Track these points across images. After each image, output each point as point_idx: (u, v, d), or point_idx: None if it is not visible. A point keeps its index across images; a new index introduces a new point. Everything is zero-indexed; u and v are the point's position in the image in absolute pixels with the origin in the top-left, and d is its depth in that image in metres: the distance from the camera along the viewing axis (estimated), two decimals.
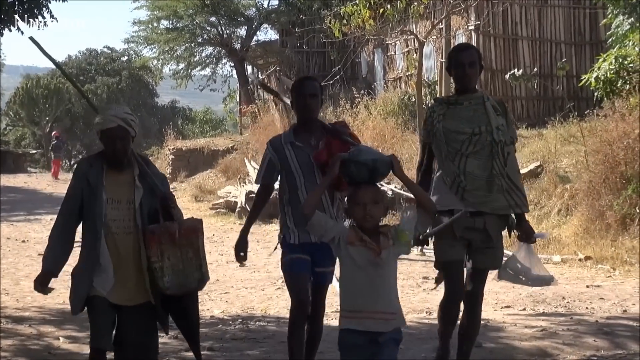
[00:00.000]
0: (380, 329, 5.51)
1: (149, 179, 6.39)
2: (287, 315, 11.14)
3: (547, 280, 7.49)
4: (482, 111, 7.01)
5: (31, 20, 13.43)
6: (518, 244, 7.39)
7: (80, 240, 6.40)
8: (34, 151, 61.94)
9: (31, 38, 7.35)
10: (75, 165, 7.09)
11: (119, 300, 6.26)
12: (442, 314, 7.15)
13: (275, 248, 7.45)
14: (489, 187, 6.89)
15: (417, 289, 12.50)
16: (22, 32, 13.35)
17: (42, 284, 6.33)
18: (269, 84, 33.20)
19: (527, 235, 7.21)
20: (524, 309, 10.98)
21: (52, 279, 6.37)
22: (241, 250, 7.20)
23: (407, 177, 5.78)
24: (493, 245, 7.05)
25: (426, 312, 10.89)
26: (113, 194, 6.32)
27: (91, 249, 6.27)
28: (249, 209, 23.01)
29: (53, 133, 49.70)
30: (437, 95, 26.22)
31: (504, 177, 6.93)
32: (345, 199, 5.71)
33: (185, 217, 6.57)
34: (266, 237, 20.02)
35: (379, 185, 5.82)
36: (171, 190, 6.78)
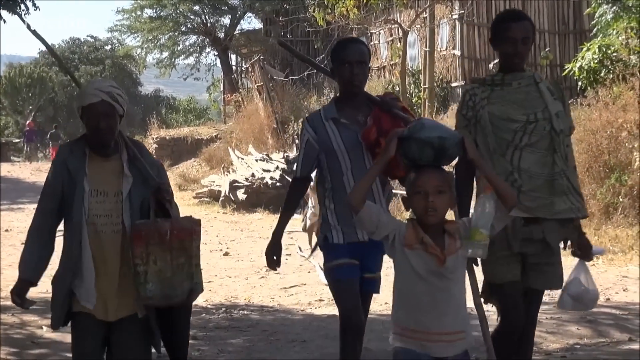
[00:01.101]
0: (444, 353, 4.57)
1: (141, 167, 5.36)
2: (271, 304, 11.20)
3: (596, 298, 6.13)
4: (536, 94, 5.70)
5: (14, 9, 13.35)
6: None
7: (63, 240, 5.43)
8: (17, 140, 61.67)
9: (31, 29, 7.11)
10: (55, 153, 5.97)
11: (107, 314, 5.29)
12: (498, 350, 5.49)
13: (314, 250, 6.45)
14: (549, 187, 5.60)
15: None
16: (4, 21, 13.28)
17: (19, 295, 5.36)
18: (252, 74, 33.11)
19: (584, 251, 5.89)
20: None
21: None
22: (274, 254, 6.09)
23: (483, 161, 4.92)
24: (553, 260, 5.77)
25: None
26: (97, 184, 5.30)
27: (72, 251, 5.29)
28: (232, 198, 23.11)
29: (27, 123, 49.59)
30: (422, 85, 26.27)
31: (565, 176, 5.66)
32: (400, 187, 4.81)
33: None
34: (250, 226, 20.01)
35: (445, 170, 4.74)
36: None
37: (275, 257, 6.09)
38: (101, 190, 5.31)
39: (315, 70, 32.14)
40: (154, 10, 42.52)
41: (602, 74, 19.77)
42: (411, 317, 4.55)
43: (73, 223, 5.32)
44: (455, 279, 4.57)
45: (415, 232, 4.53)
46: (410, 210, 4.62)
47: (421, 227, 4.53)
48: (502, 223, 4.74)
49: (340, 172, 5.82)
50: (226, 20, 43.35)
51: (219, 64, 44.61)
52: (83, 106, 5.30)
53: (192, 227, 5.29)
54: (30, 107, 65.88)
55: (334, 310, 10.53)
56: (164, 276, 5.16)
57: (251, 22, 56.91)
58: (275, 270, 6.27)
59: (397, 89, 26.30)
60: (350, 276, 5.83)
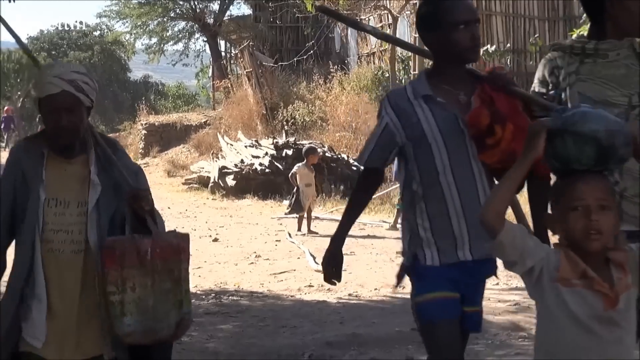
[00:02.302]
0: None
1: (113, 172, 4.30)
2: (260, 290, 11.20)
3: None
4: (638, 68, 4.24)
5: None
6: None
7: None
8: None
9: None
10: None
11: (62, 354, 4.22)
12: None
13: (402, 277, 4.75)
14: None
15: (391, 264, 12.50)
16: None
17: None
18: (241, 60, 33.05)
19: None
20: (497, 284, 11.00)
21: None
22: (334, 264, 4.57)
23: None
24: None
25: (400, 287, 10.86)
26: (56, 192, 4.24)
27: (21, 274, 4.21)
28: (222, 184, 23.09)
29: (4, 109, 49.50)
30: (412, 71, 26.26)
31: None
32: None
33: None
34: (239, 212, 19.99)
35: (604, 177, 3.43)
36: (145, 172, 4.68)
37: (335, 269, 4.57)
38: (61, 199, 4.25)
39: (304, 57, 32.11)
40: None
41: None
42: None
43: (23, 239, 4.23)
44: (628, 327, 3.33)
45: (572, 263, 3.27)
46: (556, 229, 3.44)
47: (579, 256, 3.29)
48: None
49: (434, 169, 4.27)
50: (215, 6, 43.23)
51: (208, 50, 44.55)
52: (40, 98, 4.26)
53: (179, 243, 4.29)
54: (19, 93, 65.70)
55: (323, 296, 10.56)
56: (145, 306, 4.14)
57: (240, 8, 56.93)
58: (335, 284, 4.78)
59: (387, 75, 26.29)
60: (449, 315, 4.32)
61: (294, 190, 16.60)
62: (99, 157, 4.32)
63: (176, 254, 4.24)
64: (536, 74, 4.43)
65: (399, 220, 17.03)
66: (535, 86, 4.40)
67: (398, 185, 18.46)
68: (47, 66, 4.82)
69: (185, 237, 4.36)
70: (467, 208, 4.24)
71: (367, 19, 32.44)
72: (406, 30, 29.23)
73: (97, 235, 4.21)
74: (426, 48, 4.62)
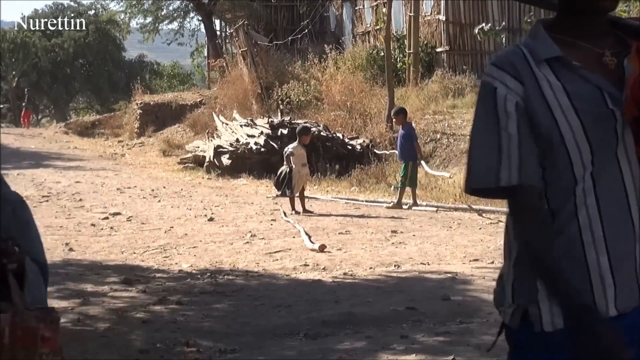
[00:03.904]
0: None
1: None
2: (255, 269, 11.22)
3: None
4: None
5: None
6: None
7: None
8: (0, 106, 61.42)
9: None
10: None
11: None
12: None
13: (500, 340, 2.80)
14: None
15: (386, 243, 12.51)
16: None
17: None
18: (236, 39, 32.98)
19: None
20: (492, 262, 11.02)
21: None
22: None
23: None
24: None
25: (394, 266, 10.90)
26: None
27: None
28: (217, 164, 23.09)
29: None
30: (407, 50, 26.20)
31: None
32: None
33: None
34: (234, 191, 19.99)
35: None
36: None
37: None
38: None
39: (298, 36, 32.03)
40: None
41: None
42: None
43: None
44: None
45: None
46: None
47: None
48: None
49: (569, 176, 2.62)
50: None
51: (202, 29, 44.49)
52: None
53: (41, 328, 2.76)
54: (14, 73, 65.55)
55: (318, 275, 10.58)
56: None
57: None
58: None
59: (382, 54, 26.25)
60: None
61: (282, 171, 16.59)
62: None
63: (34, 341, 2.75)
64: None
65: (404, 199, 17.04)
66: None
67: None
68: None
69: (54, 319, 2.83)
70: (612, 237, 2.62)
71: None
72: (401, 9, 29.20)
73: None
74: None
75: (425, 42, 27.68)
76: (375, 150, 21.97)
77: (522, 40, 2.76)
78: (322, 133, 22.02)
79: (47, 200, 18.28)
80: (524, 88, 2.62)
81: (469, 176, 2.68)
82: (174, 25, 45.73)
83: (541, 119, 2.61)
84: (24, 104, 47.52)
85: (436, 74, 25.62)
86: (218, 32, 42.86)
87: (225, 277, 10.70)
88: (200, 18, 44.05)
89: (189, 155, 26.25)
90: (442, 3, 27.80)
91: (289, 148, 16.78)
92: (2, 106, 61.11)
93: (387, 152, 21.17)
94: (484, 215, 15.12)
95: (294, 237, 13.32)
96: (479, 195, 2.76)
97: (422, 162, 17.29)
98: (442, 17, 27.82)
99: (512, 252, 2.76)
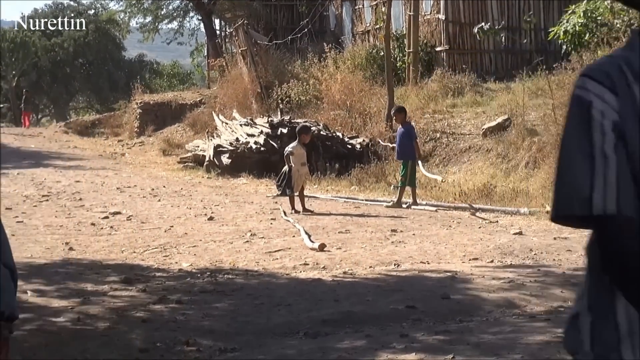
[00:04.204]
0: None
1: None
2: (255, 268, 11.22)
3: None
4: None
5: None
6: None
7: None
8: (0, 105, 61.41)
9: None
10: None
11: None
12: None
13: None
14: None
15: (386, 242, 12.52)
16: None
17: None
18: (236, 39, 32.97)
19: None
20: (492, 261, 11.03)
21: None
22: None
23: None
24: None
25: (394, 265, 10.91)
26: None
27: None
28: (217, 163, 23.09)
29: None
30: (406, 49, 26.21)
31: None
32: None
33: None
34: (234, 190, 20.00)
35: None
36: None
37: None
38: None
39: (299, 35, 32.00)
40: None
41: (586, 38, 19.78)
42: None
43: None
44: None
45: None
46: None
47: None
48: None
49: None
50: None
51: (202, 29, 44.47)
52: None
53: None
54: (14, 72, 65.55)
55: (318, 274, 10.59)
56: None
57: None
58: None
59: (381, 53, 26.24)
60: None
61: (283, 171, 16.59)
62: None
63: None
64: None
65: (404, 199, 17.06)
66: None
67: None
68: None
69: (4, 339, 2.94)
70: None
71: None
72: (401, 8, 29.20)
73: None
74: None
75: (424, 42, 27.67)
76: (376, 148, 21.93)
77: (615, 51, 2.41)
78: (321, 132, 22.02)
79: (47, 200, 18.29)
80: (620, 105, 2.25)
81: (556, 202, 2.33)
82: (174, 24, 45.79)
83: (635, 140, 2.23)
84: (21, 105, 47.49)
85: (436, 73, 25.60)
86: (218, 32, 42.84)
87: (225, 276, 10.71)
88: (200, 17, 44.05)
89: (189, 154, 26.24)
90: (442, 2, 27.78)
91: (288, 147, 16.78)
92: (2, 106, 61.13)
93: (390, 145, 21.07)
94: (477, 215, 15.10)
95: (293, 236, 13.33)
96: (565, 224, 2.41)
97: (419, 162, 17.30)
98: (441, 16, 27.80)
99: (591, 291, 2.36)
